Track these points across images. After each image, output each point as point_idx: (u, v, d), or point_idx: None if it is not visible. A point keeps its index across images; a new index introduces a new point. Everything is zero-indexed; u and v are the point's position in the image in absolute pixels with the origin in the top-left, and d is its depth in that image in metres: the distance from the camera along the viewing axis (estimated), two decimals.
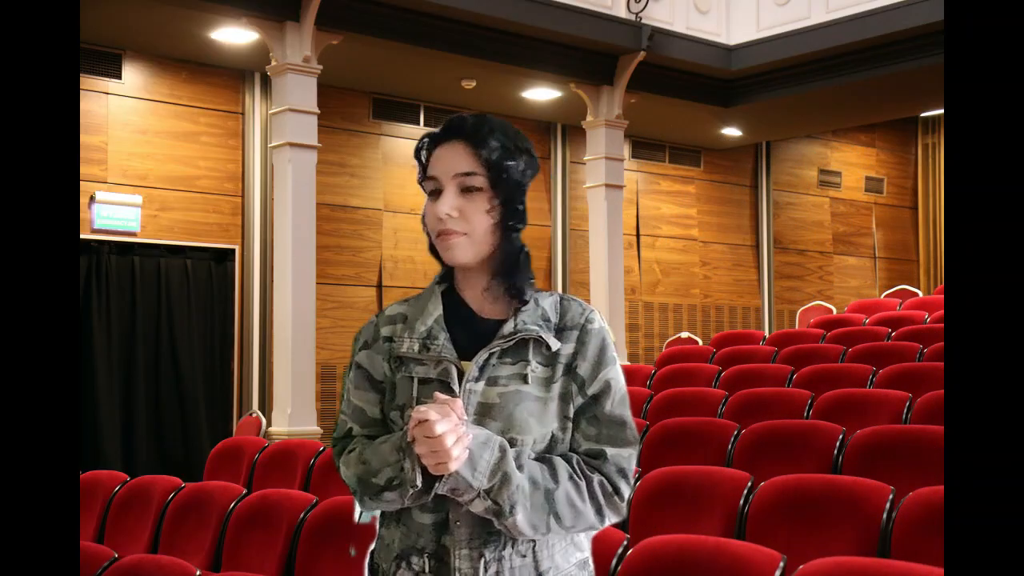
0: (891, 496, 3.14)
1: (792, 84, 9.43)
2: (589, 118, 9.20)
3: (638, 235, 11.17)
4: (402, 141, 9.66)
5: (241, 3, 7.21)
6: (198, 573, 2.99)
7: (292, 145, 7.31)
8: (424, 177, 1.74)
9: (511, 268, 1.71)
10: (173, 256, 8.33)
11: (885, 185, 13.59)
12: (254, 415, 7.69)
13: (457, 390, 1.64)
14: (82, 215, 7.80)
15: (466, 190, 1.69)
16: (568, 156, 10.64)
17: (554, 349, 1.67)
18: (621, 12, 8.81)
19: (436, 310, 1.72)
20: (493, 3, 7.97)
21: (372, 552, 1.76)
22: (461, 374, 1.66)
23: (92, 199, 7.93)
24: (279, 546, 3.63)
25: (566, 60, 8.81)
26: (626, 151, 10.17)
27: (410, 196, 9.66)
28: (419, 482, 1.57)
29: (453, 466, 1.55)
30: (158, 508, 4.19)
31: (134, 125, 8.24)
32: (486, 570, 1.62)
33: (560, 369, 1.68)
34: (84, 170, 7.72)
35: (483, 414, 1.63)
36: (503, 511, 1.58)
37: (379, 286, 9.43)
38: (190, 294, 8.38)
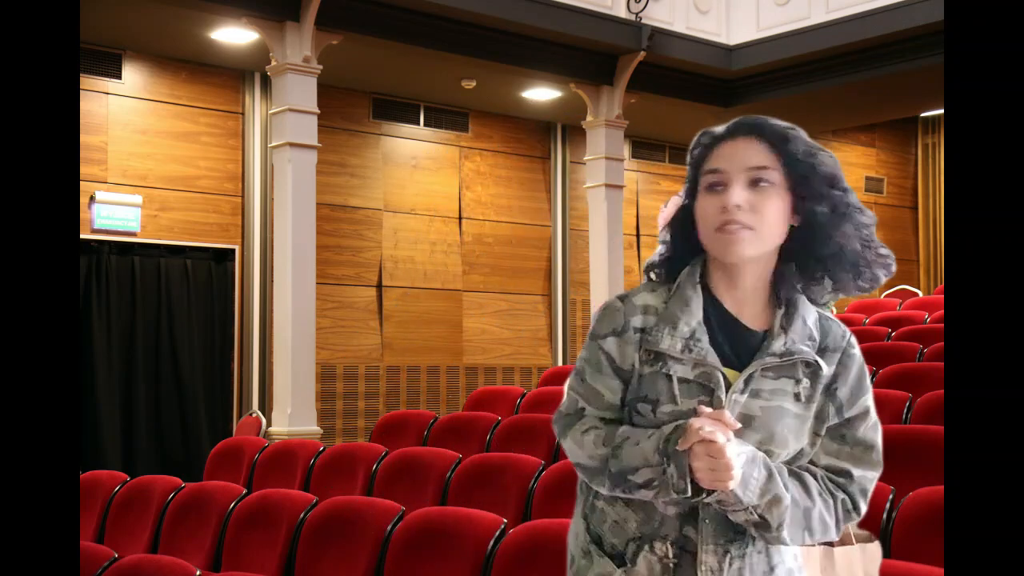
0: (891, 496, 3.14)
1: (792, 84, 9.43)
2: (589, 118, 9.20)
3: (638, 235, 11.17)
4: (402, 141, 9.66)
5: (241, 3, 7.21)
6: (198, 573, 2.99)
7: (292, 145, 7.31)
8: (697, 174, 1.71)
9: (852, 260, 1.67)
10: (173, 256, 8.33)
11: (885, 185, 13.59)
12: (254, 415, 7.69)
13: (724, 398, 1.64)
14: (82, 215, 7.80)
15: (755, 184, 1.65)
16: (568, 156, 10.64)
17: (824, 372, 1.67)
18: (621, 12, 8.81)
19: (698, 310, 1.68)
20: (493, 3, 7.97)
21: (587, 517, 1.75)
22: (725, 381, 1.66)
23: (92, 199, 7.93)
24: (279, 546, 3.63)
25: (566, 60, 8.81)
26: (626, 151, 10.18)
27: (410, 196, 9.66)
28: (690, 492, 1.59)
29: (732, 486, 1.57)
30: (158, 508, 4.19)
31: (134, 125, 8.24)
32: (730, 566, 1.65)
33: (820, 389, 1.68)
34: (84, 170, 7.71)
35: (744, 424, 1.63)
36: (770, 527, 1.62)
37: (379, 286, 9.43)
38: (190, 294, 8.38)
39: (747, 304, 1.71)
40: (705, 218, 1.67)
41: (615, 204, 9.17)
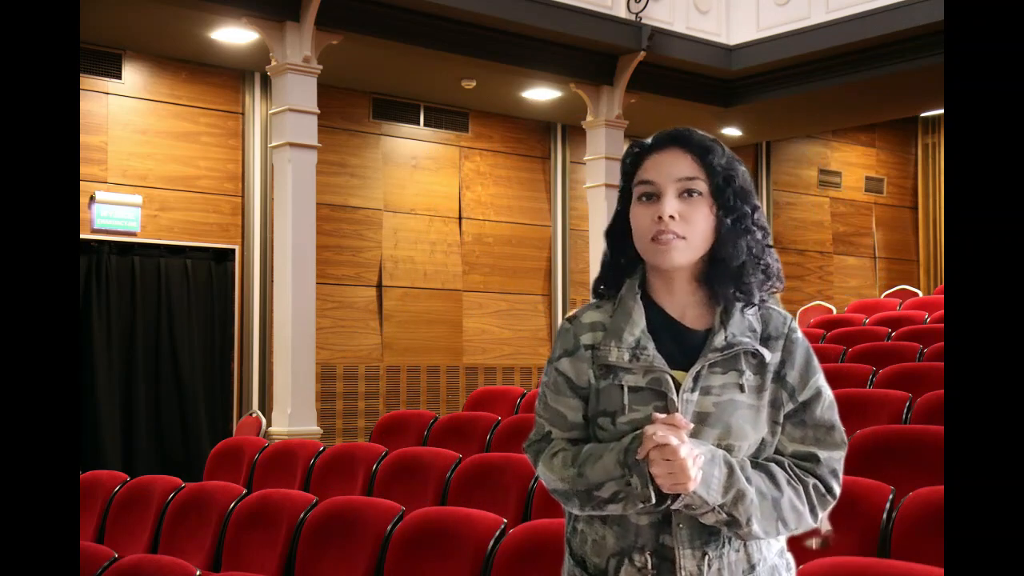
0: (891, 496, 3.14)
1: (792, 84, 9.43)
2: (589, 118, 9.20)
3: None
4: (402, 141, 9.66)
5: (241, 3, 7.21)
6: (198, 573, 2.99)
7: (292, 145, 7.31)
8: (630, 183, 1.79)
9: (738, 272, 1.72)
10: (173, 256, 8.33)
11: (885, 185, 13.59)
12: (254, 415, 7.68)
13: (676, 400, 1.68)
14: (82, 215, 7.80)
15: (685, 194, 1.73)
16: (568, 156, 10.64)
17: (768, 360, 1.72)
18: (621, 12, 8.81)
19: (641, 319, 1.75)
20: (493, 3, 7.97)
21: (569, 542, 1.80)
22: (674, 383, 1.70)
23: (92, 199, 7.93)
24: (279, 546, 3.63)
25: (566, 60, 8.81)
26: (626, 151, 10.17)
27: (410, 196, 9.66)
28: (654, 499, 1.63)
29: (692, 487, 1.60)
30: (158, 508, 4.19)
31: (134, 125, 8.24)
32: (709, 567, 1.68)
33: (769, 377, 1.73)
34: (84, 170, 7.71)
35: (700, 422, 1.68)
36: (739, 523, 1.65)
37: (379, 286, 9.43)
38: (190, 294, 8.38)
39: (688, 307, 1.77)
40: (640, 228, 1.75)
41: (615, 204, 9.16)
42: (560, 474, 1.73)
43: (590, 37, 8.58)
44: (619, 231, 1.82)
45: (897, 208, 13.73)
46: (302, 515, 3.66)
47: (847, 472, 3.80)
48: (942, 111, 11.76)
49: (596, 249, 9.15)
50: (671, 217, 1.71)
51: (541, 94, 9.49)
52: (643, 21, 8.84)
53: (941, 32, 7.35)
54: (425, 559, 3.25)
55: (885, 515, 3.09)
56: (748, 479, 1.65)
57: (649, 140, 1.81)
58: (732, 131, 10.91)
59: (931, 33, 8.08)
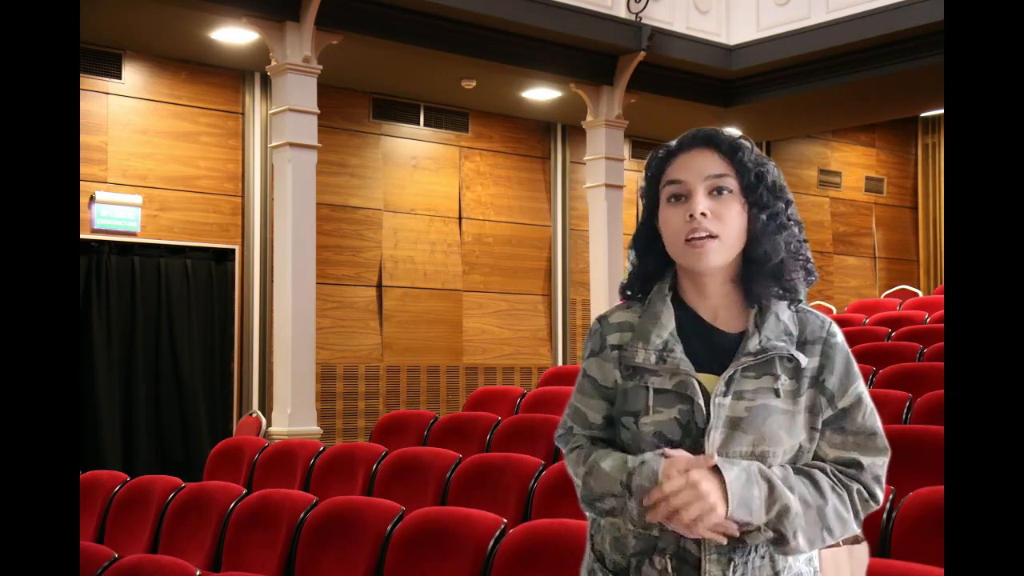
0: (891, 496, 3.14)
1: (792, 84, 9.43)
2: (589, 118, 9.20)
3: None
4: (402, 141, 9.66)
5: (241, 3, 7.21)
6: (198, 573, 2.99)
7: (292, 145, 7.31)
8: (655, 188, 1.77)
9: (779, 270, 1.70)
10: (173, 256, 8.33)
11: (885, 185, 13.59)
12: (254, 415, 7.69)
13: (700, 403, 1.66)
14: (82, 215, 7.80)
15: (715, 192, 1.70)
16: (568, 156, 10.64)
17: (804, 365, 1.68)
18: (621, 12, 8.81)
19: (670, 321, 1.72)
20: (493, 3, 7.97)
21: (592, 537, 1.79)
22: (700, 387, 1.68)
23: (92, 199, 7.93)
24: (279, 546, 3.63)
25: (566, 60, 8.81)
26: (626, 151, 10.18)
27: (410, 196, 9.66)
28: (654, 532, 1.65)
29: (721, 514, 1.57)
30: (158, 508, 4.19)
31: (134, 125, 8.24)
32: (734, 573, 1.65)
33: (805, 382, 1.69)
34: (84, 170, 7.71)
35: (733, 427, 1.65)
36: (786, 538, 1.61)
37: (379, 286, 9.43)
38: (190, 294, 8.38)
39: (720, 309, 1.74)
40: (671, 229, 1.72)
41: (615, 204, 9.17)
42: (575, 470, 1.74)
43: (590, 37, 8.58)
44: (645, 238, 1.79)
45: (897, 208, 13.72)
46: (302, 515, 3.66)
47: None
48: (942, 111, 11.76)
49: (596, 249, 9.15)
50: (703, 214, 1.68)
51: (541, 94, 9.49)
52: (643, 21, 8.84)
53: (941, 32, 7.35)
54: (425, 559, 3.25)
55: (885, 515, 3.09)
56: (791, 488, 1.62)
57: (674, 143, 1.78)
58: (732, 131, 10.90)
59: (931, 33, 8.08)
